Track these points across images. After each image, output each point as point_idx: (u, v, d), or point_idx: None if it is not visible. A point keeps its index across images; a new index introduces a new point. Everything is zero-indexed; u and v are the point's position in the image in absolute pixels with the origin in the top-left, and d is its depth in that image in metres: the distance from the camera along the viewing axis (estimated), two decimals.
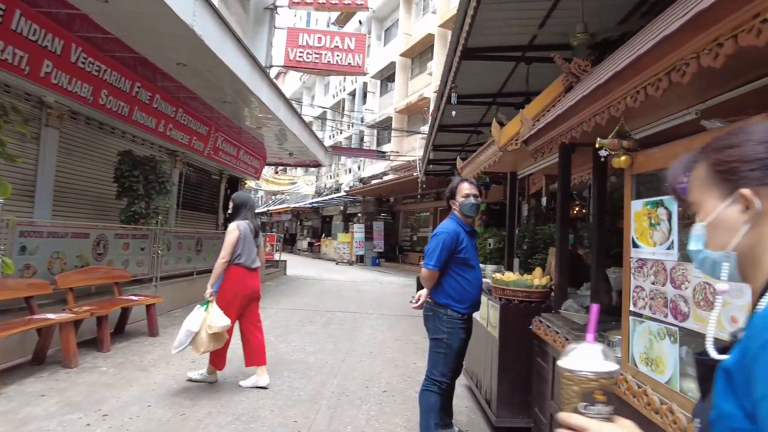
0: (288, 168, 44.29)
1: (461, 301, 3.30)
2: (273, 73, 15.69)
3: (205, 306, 4.37)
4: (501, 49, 5.50)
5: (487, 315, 4.11)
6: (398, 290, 13.32)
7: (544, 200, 8.22)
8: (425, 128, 22.57)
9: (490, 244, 9.83)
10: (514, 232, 6.20)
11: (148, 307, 6.42)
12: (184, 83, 8.06)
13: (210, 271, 4.76)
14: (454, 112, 7.08)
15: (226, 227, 13.32)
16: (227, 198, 14.62)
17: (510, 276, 4.07)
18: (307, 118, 24.00)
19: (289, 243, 36.77)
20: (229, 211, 5.01)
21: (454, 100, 6.11)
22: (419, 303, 3.53)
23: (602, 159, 2.43)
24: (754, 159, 0.72)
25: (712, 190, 0.78)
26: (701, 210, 0.80)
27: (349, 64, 14.61)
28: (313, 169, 39.24)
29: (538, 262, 5.16)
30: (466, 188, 3.44)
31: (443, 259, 3.25)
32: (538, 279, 3.91)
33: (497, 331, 3.75)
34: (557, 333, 3.05)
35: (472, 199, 3.40)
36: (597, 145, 2.23)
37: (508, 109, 7.29)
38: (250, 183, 26.10)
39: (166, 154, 10.11)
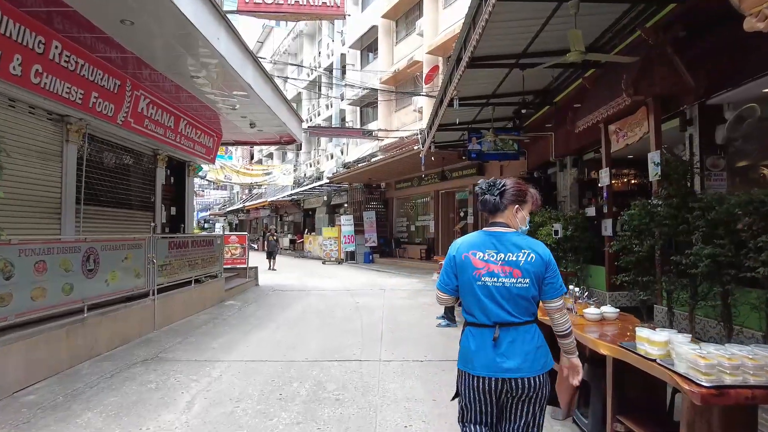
0: (263, 159, 40.69)
1: None
2: None
3: None
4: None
5: None
6: (409, 300, 9.82)
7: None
8: (419, 98, 19.16)
9: (557, 233, 6.41)
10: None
11: None
12: None
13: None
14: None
15: (170, 228, 9.66)
16: (170, 189, 11.00)
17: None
18: None
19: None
20: None
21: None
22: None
23: None
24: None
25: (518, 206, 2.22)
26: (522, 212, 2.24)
27: (324, 3, 10.93)
28: (290, 157, 35.59)
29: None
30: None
31: None
32: None
33: None
34: None
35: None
36: None
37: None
38: (216, 172, 22.33)
39: (48, 120, 6.44)
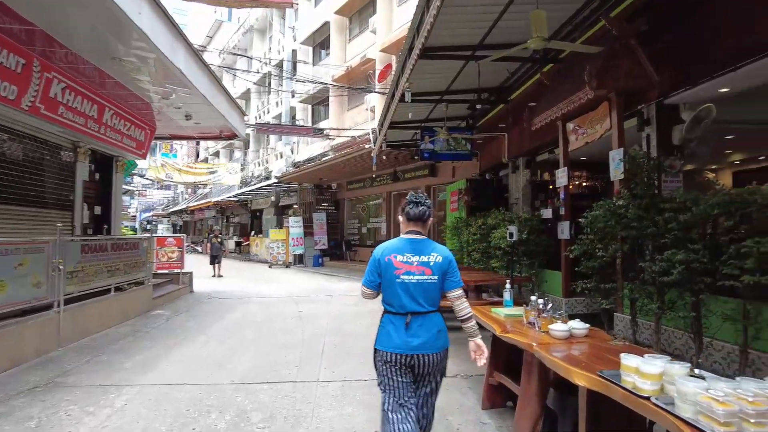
0: (210, 157, 38.92)
1: None
2: None
3: None
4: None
5: None
6: (357, 307, 9.19)
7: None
8: (371, 97, 18.61)
9: (512, 235, 6.01)
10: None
11: None
12: None
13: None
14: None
15: (93, 229, 8.56)
16: (94, 186, 9.90)
17: None
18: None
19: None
20: None
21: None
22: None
23: None
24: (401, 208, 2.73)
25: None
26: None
27: None
28: (238, 156, 34.19)
29: None
30: None
31: None
32: None
33: None
34: None
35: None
36: None
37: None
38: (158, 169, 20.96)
39: None
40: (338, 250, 20.52)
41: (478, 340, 2.69)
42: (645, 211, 4.19)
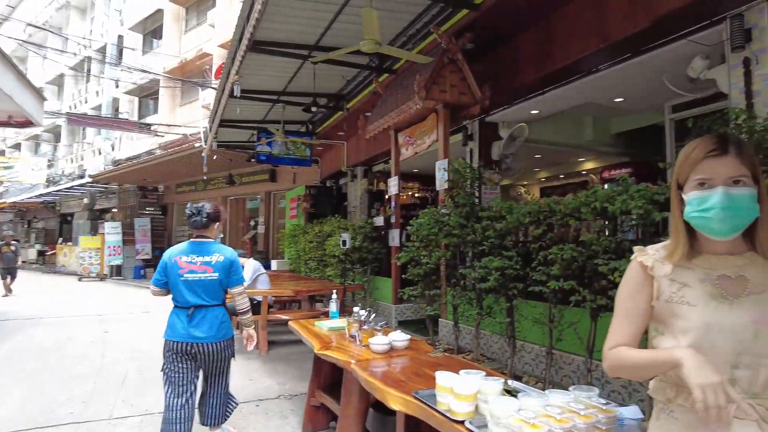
0: (7, 149, 32.55)
1: None
2: None
3: None
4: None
5: None
6: None
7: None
8: (207, 94, 17.27)
9: (344, 243, 5.87)
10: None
11: None
12: None
13: None
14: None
15: None
16: None
17: None
18: (37, 83, 15.52)
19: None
20: None
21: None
22: None
23: None
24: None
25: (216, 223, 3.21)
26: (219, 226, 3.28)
27: None
28: (46, 149, 29.15)
29: None
30: None
31: None
32: None
33: None
34: None
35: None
36: None
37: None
38: None
39: None
40: None
41: (251, 330, 3.21)
42: (466, 219, 4.30)
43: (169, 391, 2.90)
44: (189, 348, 2.87)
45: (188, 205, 3.15)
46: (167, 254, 3.01)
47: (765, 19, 3.57)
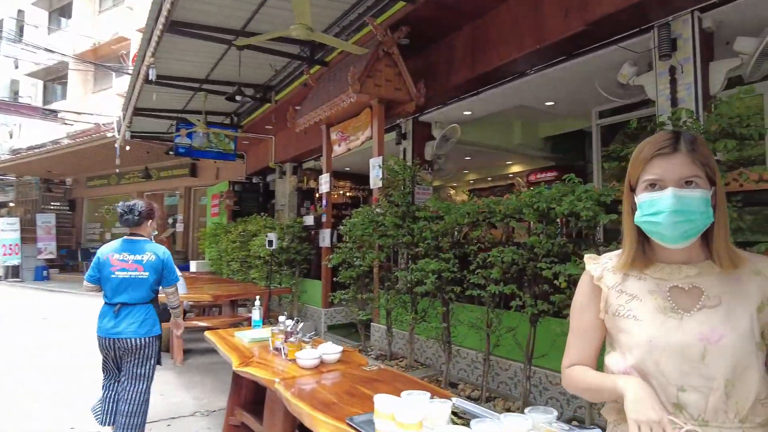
0: None
1: None
2: None
3: None
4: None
5: None
6: (82, 333, 7.31)
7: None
8: (123, 80, 15.98)
9: (271, 243, 5.53)
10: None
11: None
12: None
13: None
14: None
15: None
16: None
17: None
18: None
19: None
20: None
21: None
22: None
23: None
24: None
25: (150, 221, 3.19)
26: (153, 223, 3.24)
27: None
28: None
29: None
30: None
31: None
32: None
33: None
34: None
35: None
36: None
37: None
38: None
39: None
40: (72, 260, 17.00)
41: (179, 320, 3.45)
42: (401, 219, 4.11)
43: (105, 379, 3.08)
44: (113, 343, 2.93)
45: (120, 203, 3.11)
46: (101, 251, 3.02)
47: (689, 30, 3.67)
